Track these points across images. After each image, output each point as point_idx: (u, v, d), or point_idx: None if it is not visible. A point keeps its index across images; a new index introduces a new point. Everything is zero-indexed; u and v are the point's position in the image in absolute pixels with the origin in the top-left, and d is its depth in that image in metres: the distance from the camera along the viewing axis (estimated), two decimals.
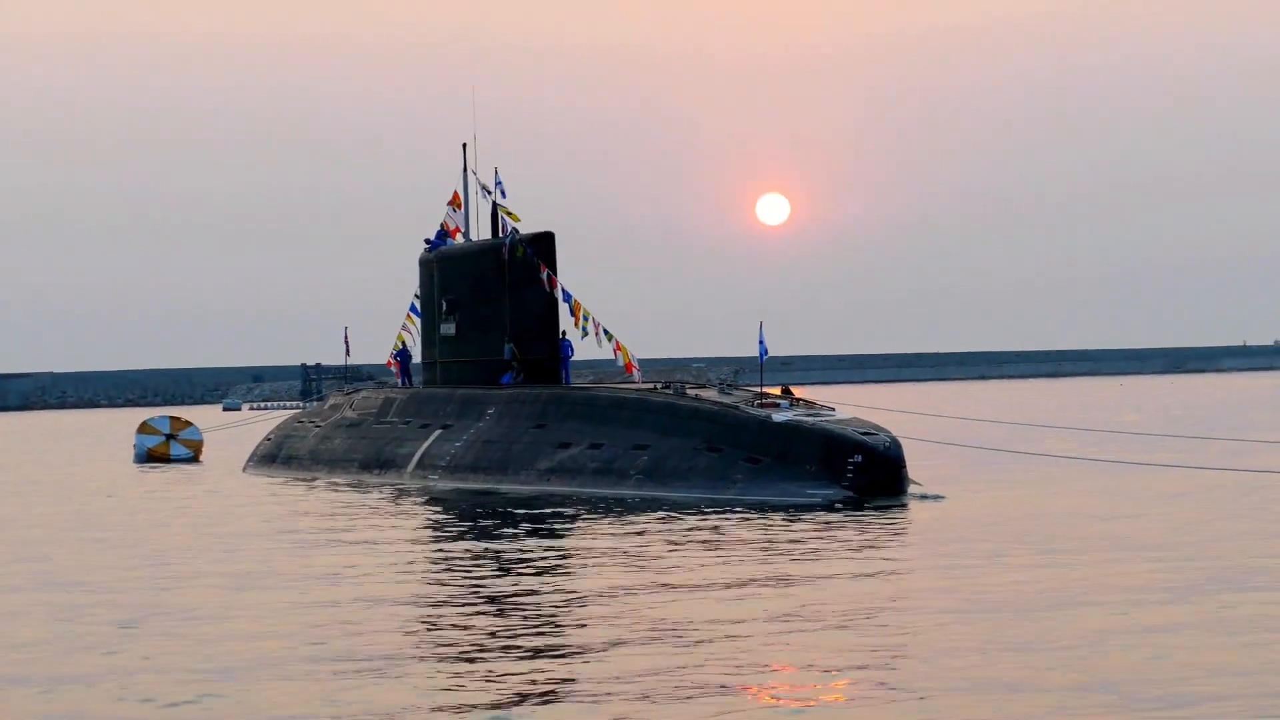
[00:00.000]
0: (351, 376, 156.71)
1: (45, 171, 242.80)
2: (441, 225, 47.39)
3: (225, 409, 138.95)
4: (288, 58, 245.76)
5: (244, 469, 50.94)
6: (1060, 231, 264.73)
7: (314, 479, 45.21)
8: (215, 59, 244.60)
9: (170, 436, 58.19)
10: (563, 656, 16.19)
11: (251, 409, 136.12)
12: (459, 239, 47.30)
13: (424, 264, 47.91)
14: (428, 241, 47.49)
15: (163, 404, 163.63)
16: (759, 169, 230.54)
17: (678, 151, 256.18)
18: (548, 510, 33.39)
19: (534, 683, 14.84)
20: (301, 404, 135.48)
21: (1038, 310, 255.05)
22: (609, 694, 14.26)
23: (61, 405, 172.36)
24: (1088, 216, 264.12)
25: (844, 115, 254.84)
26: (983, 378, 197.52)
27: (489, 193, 45.55)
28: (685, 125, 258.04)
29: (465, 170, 47.10)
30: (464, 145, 47.21)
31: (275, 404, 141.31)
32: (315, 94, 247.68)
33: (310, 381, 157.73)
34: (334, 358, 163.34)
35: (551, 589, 21.32)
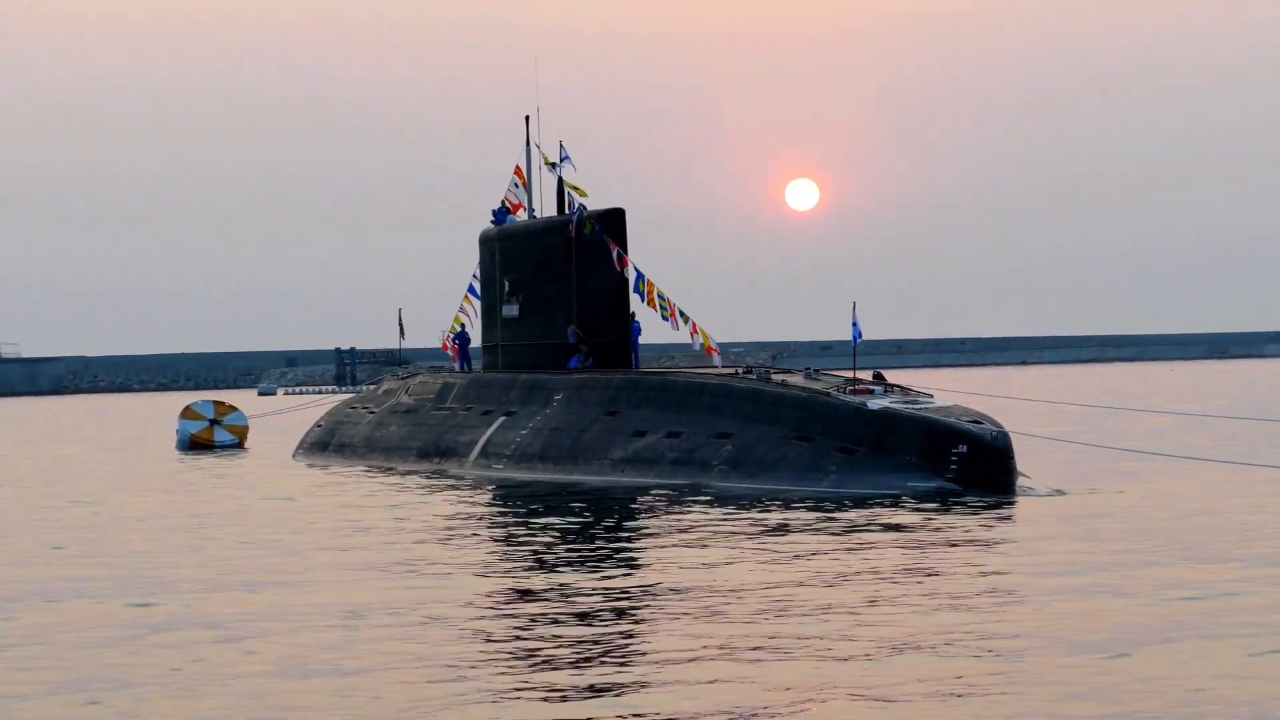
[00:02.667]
0: (386, 360, 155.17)
1: (77, 155, 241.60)
2: (503, 201, 45.10)
3: (261, 393, 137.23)
4: (306, 34, 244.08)
5: (294, 456, 48.90)
6: (1100, 214, 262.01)
7: (369, 468, 43.10)
8: (245, 38, 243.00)
9: (214, 421, 56.23)
10: (646, 653, 15.30)
11: (287, 393, 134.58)
12: (521, 215, 45.01)
13: (484, 242, 45.57)
14: (494, 214, 45.14)
15: (195, 388, 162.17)
16: (787, 154, 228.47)
17: (706, 138, 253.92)
18: (624, 502, 31.40)
19: (616, 683, 13.93)
20: (337, 388, 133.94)
21: (1078, 295, 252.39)
22: (687, 696, 13.40)
23: (94, 389, 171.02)
24: (1128, 199, 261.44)
25: (872, 98, 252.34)
26: (1023, 363, 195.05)
27: (555, 167, 43.22)
28: (713, 110, 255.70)
29: (528, 144, 44.76)
30: (526, 118, 44.91)
31: (311, 388, 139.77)
32: (341, 72, 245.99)
33: (345, 365, 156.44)
34: (367, 341, 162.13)
35: (637, 584, 20.00)
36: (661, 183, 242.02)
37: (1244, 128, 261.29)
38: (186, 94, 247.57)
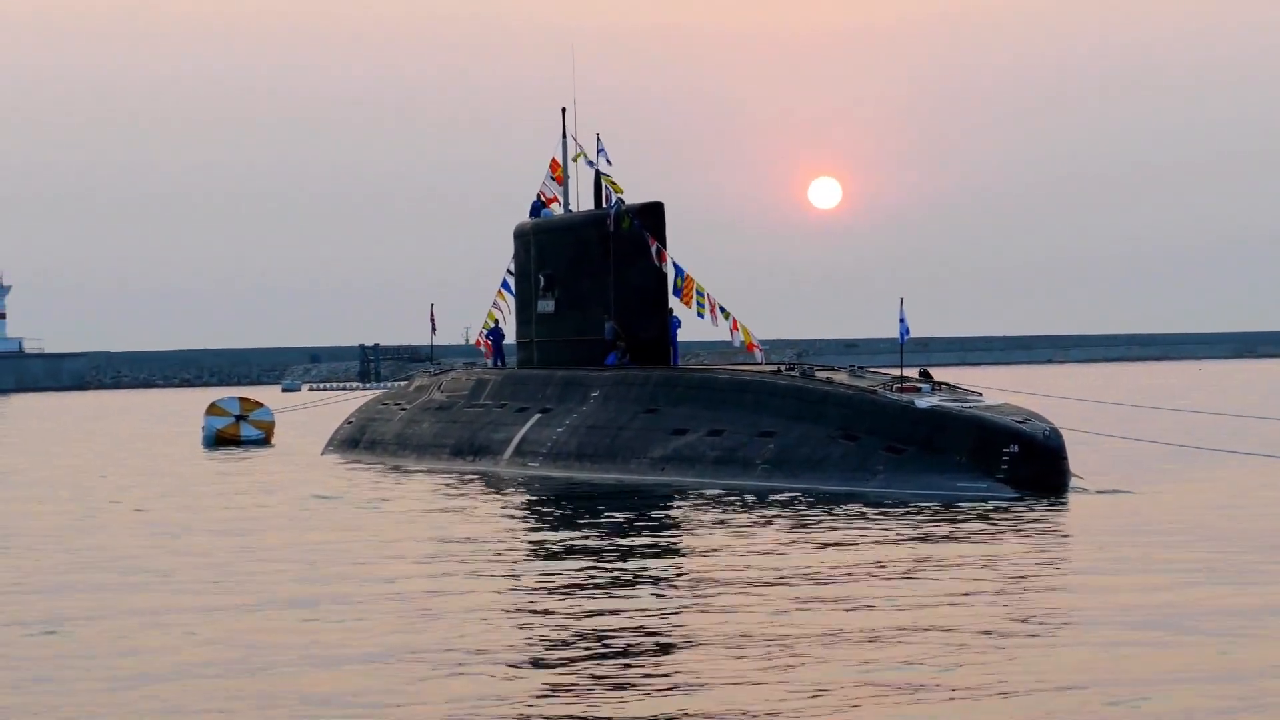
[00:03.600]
0: (410, 357, 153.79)
1: (100, 151, 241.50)
2: (538, 195, 44.29)
3: (285, 390, 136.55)
4: (333, 27, 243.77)
5: (323, 453, 48.12)
6: (1124, 211, 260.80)
7: (401, 466, 42.34)
8: (271, 32, 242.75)
9: (240, 417, 55.52)
10: (686, 661, 14.77)
11: (311, 389, 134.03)
12: (556, 208, 44.18)
13: (519, 236, 44.73)
14: (533, 207, 44.28)
15: (218, 384, 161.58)
16: (810, 153, 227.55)
17: (729, 136, 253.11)
18: (664, 501, 30.67)
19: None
20: (361, 384, 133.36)
21: (1105, 293, 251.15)
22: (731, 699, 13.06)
23: (116, 385, 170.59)
24: (1153, 196, 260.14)
25: (895, 97, 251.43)
26: (1049, 362, 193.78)
27: (593, 161, 42.39)
28: (735, 108, 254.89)
29: (564, 136, 43.89)
30: (563, 110, 44.08)
31: (335, 385, 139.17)
32: (366, 67, 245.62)
33: (368, 362, 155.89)
34: (390, 337, 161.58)
35: (678, 586, 19.66)
36: (684, 180, 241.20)
37: (1276, 124, 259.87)
38: (211, 88, 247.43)
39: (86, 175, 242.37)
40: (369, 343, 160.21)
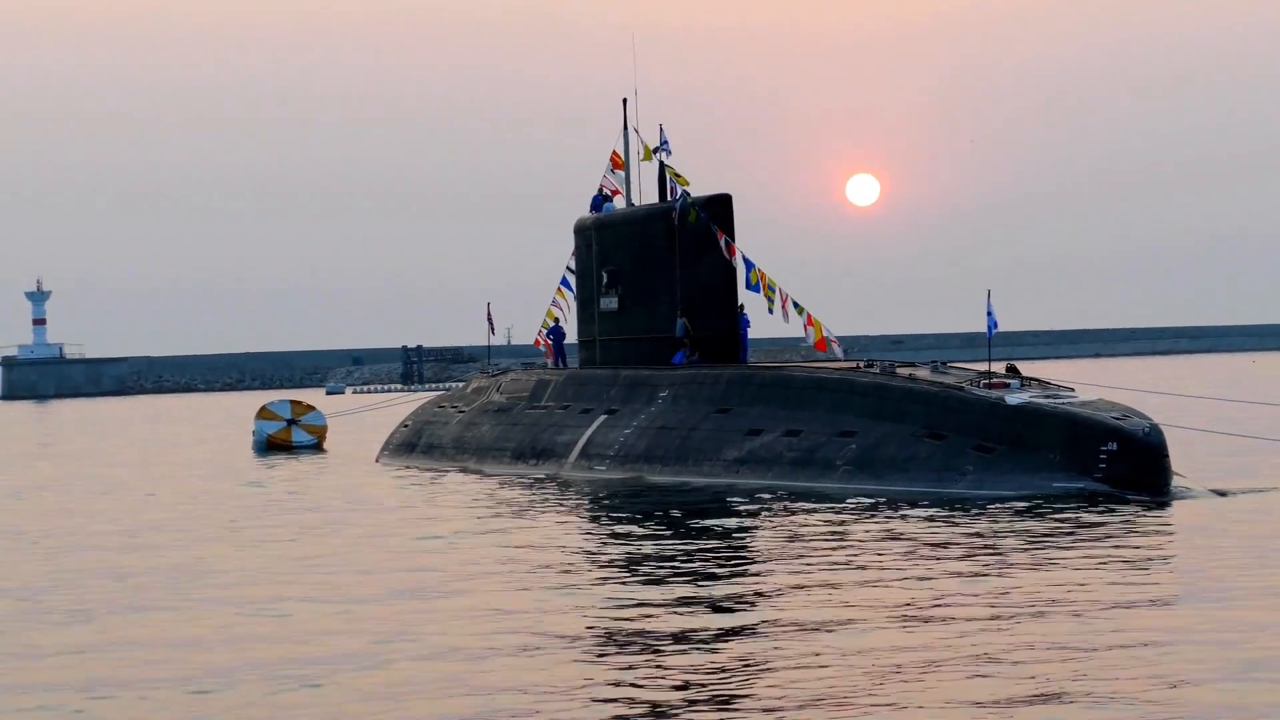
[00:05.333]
0: (453, 358, 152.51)
1: (137, 153, 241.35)
2: (600, 189, 42.88)
3: (329, 393, 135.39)
4: (373, 26, 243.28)
5: (378, 459, 46.83)
6: (1169, 204, 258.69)
7: (462, 470, 41.04)
8: (317, 32, 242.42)
9: (292, 422, 54.31)
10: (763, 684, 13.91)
11: (354, 392, 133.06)
12: (619, 202, 42.76)
13: (580, 231, 43.29)
14: (594, 201, 42.83)
15: (260, 388, 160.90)
16: (847, 149, 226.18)
17: (767, 132, 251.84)
18: (742, 505, 29.47)
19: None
20: (404, 386, 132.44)
21: (1149, 286, 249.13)
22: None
23: (158, 390, 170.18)
24: (1199, 188, 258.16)
25: (932, 93, 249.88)
26: (1096, 356, 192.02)
27: (656, 151, 40.95)
28: (773, 105, 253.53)
29: (625, 128, 42.46)
30: (624, 101, 42.70)
31: (379, 387, 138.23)
32: (417, 62, 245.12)
33: (411, 363, 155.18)
34: (432, 338, 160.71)
35: (762, 594, 18.92)
36: (721, 175, 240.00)
37: None
38: (252, 91, 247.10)
39: (125, 179, 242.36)
40: (411, 344, 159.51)
